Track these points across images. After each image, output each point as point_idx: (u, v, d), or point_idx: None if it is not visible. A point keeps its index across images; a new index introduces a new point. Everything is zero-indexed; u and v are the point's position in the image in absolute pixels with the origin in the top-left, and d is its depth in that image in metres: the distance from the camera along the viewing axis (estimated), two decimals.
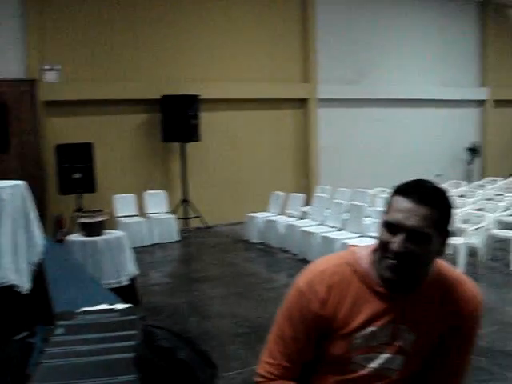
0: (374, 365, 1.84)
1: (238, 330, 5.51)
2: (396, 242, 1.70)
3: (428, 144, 14.51)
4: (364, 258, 1.86)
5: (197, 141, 10.75)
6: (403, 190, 1.74)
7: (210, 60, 11.49)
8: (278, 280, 7.66)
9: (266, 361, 1.91)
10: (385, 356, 1.83)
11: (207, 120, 11.17)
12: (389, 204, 1.77)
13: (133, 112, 10.91)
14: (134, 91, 10.67)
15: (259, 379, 1.92)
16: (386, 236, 1.73)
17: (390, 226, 1.72)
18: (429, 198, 1.70)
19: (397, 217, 1.71)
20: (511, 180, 12.09)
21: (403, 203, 1.71)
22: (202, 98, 10.78)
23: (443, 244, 1.76)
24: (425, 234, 1.69)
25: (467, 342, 1.88)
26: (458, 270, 1.92)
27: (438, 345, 1.86)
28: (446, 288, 1.84)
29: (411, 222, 1.68)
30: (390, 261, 1.73)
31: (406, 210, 1.69)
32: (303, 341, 1.86)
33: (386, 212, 1.76)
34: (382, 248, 1.75)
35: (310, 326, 1.84)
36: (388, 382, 1.85)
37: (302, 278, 1.90)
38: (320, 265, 1.92)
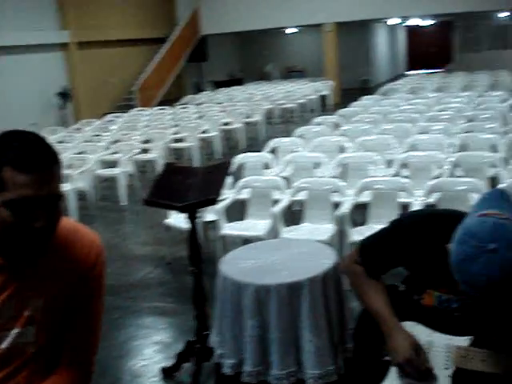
0: (5, 344, 1.60)
1: None
2: (37, 219, 1.47)
3: (18, 92, 13.81)
4: None
5: None
6: (13, 160, 1.44)
7: None
8: None
9: None
10: (15, 331, 1.61)
11: None
12: None
13: None
14: None
15: None
16: (10, 215, 1.46)
17: (16, 204, 1.45)
18: (46, 158, 1.48)
19: (24, 192, 1.44)
20: (106, 120, 12.39)
21: (23, 177, 1.44)
22: None
23: None
24: (60, 195, 1.52)
25: (98, 288, 1.77)
26: (69, 219, 1.76)
27: (70, 300, 1.70)
28: (64, 240, 1.67)
29: (45, 191, 1.46)
30: (38, 239, 1.50)
31: (33, 182, 1.44)
32: None
33: None
34: (9, 229, 1.48)
35: None
36: (26, 357, 1.64)
37: None
38: None
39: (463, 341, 1.85)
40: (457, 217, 1.73)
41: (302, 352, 2.79)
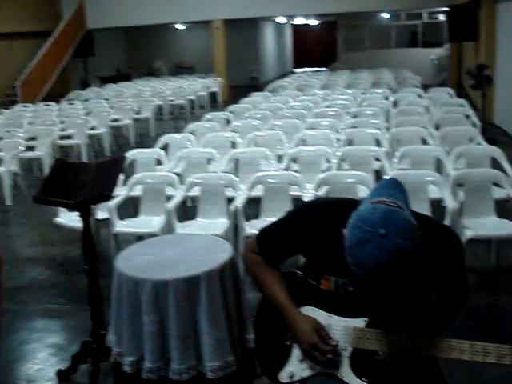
0: None
1: None
2: None
3: None
4: None
5: None
6: None
7: None
8: None
9: None
10: None
11: None
12: None
13: None
14: None
15: None
16: None
17: None
18: None
19: None
20: None
21: None
22: None
23: None
24: None
25: None
26: None
27: None
28: None
29: None
30: None
31: None
32: None
33: None
34: None
35: None
36: None
37: None
38: None
39: (359, 322, 1.95)
40: (352, 204, 1.82)
41: (202, 345, 2.82)
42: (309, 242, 2.00)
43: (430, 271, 1.87)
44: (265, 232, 2.12)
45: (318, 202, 2.27)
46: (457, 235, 1.95)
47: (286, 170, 5.69)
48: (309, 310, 2.02)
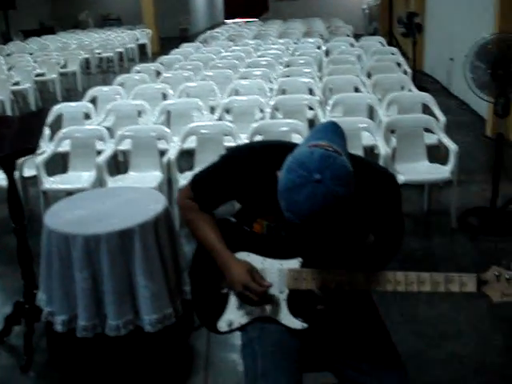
0: None
1: None
2: None
3: None
4: None
5: None
6: None
7: None
8: None
9: None
10: None
11: None
12: None
13: None
14: None
15: None
16: None
17: None
18: None
19: None
20: None
21: None
22: None
23: None
24: None
25: None
26: None
27: None
28: None
29: None
30: None
31: None
32: None
33: None
34: None
35: None
36: None
37: None
38: None
39: (294, 263, 1.92)
40: (288, 147, 1.75)
41: (138, 299, 2.75)
42: (242, 186, 1.93)
43: (367, 213, 1.84)
44: (198, 177, 2.05)
45: (253, 145, 2.20)
46: (393, 175, 1.93)
47: (219, 120, 5.59)
48: (243, 256, 1.98)
